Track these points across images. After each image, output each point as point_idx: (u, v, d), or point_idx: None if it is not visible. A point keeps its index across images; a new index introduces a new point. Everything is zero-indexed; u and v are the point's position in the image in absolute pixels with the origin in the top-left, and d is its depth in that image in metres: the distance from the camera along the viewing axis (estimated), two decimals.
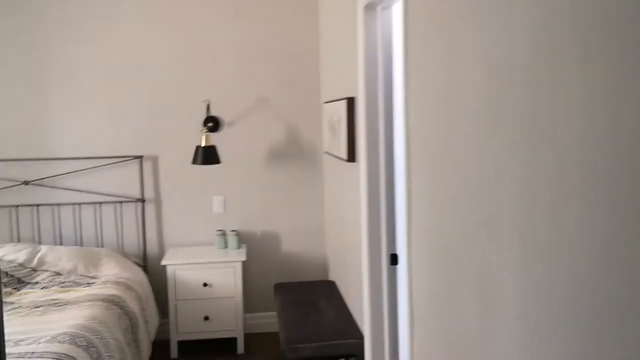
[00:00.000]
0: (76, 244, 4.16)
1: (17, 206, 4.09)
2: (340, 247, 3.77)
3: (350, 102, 3.06)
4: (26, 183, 4.07)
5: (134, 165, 4.19)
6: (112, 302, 3.11)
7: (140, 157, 4.16)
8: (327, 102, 3.82)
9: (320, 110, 4.28)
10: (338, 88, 3.51)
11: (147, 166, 4.22)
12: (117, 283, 3.42)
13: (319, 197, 4.36)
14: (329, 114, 3.71)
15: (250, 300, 4.30)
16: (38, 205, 4.11)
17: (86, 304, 3.03)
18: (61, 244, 4.14)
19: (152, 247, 4.27)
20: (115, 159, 4.15)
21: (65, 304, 3.04)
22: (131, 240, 4.24)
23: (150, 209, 4.25)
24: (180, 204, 4.28)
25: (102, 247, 4.18)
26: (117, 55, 4.14)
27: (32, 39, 4.06)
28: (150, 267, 4.23)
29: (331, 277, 4.19)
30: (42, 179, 4.10)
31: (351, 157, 3.08)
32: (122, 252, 4.09)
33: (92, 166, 4.14)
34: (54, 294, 3.24)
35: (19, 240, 4.10)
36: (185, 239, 4.29)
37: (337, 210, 3.84)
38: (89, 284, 3.40)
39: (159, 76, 4.18)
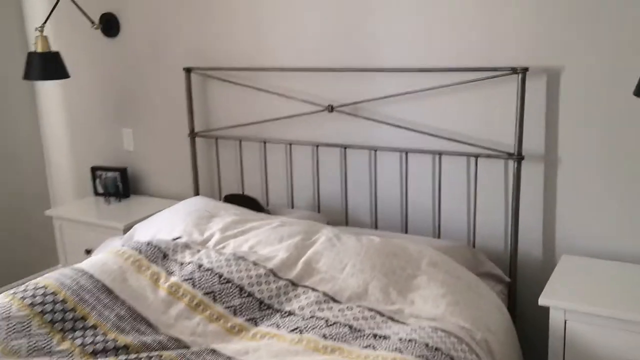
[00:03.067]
0: (400, 225, 2.44)
1: (317, 145, 2.55)
2: None
3: None
4: (331, 109, 2.46)
5: (504, 88, 2.12)
6: None
7: (522, 70, 2.05)
8: None
9: None
10: None
11: (534, 90, 2.10)
12: (431, 352, 1.56)
13: None
14: None
15: None
16: (345, 146, 2.49)
17: None
18: (376, 222, 2.48)
19: (528, 248, 2.22)
20: (470, 73, 2.15)
21: None
22: (488, 229, 2.28)
23: (532, 173, 2.16)
24: (598, 169, 2.06)
25: (438, 235, 2.34)
26: None
27: None
28: (520, 289, 2.22)
29: None
30: (354, 103, 2.42)
31: None
32: (469, 252, 2.18)
33: (428, 86, 2.24)
34: (305, 353, 1.60)
35: (319, 206, 2.60)
36: (598, 244, 2.10)
37: None
38: (376, 340, 1.64)
39: None
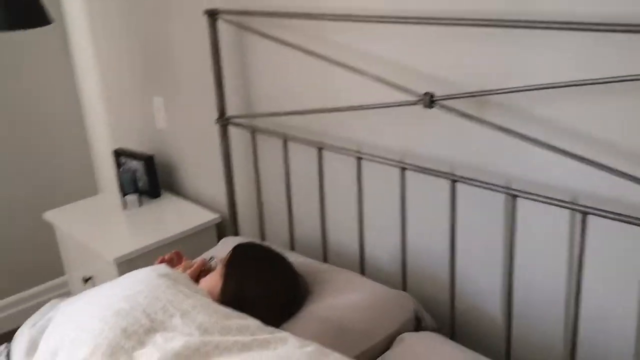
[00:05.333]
0: (562, 351, 1.21)
1: (404, 168, 1.36)
2: None
3: None
4: (430, 102, 1.24)
5: None
6: None
7: None
8: None
9: None
10: None
11: None
12: None
13: None
14: None
15: None
16: (455, 179, 1.26)
17: None
18: (509, 327, 1.27)
19: None
20: None
21: None
22: None
23: None
24: None
25: None
26: None
27: None
28: None
29: None
30: (476, 94, 1.17)
31: None
32: None
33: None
34: None
35: (405, 273, 1.44)
36: None
37: None
38: None
39: None
